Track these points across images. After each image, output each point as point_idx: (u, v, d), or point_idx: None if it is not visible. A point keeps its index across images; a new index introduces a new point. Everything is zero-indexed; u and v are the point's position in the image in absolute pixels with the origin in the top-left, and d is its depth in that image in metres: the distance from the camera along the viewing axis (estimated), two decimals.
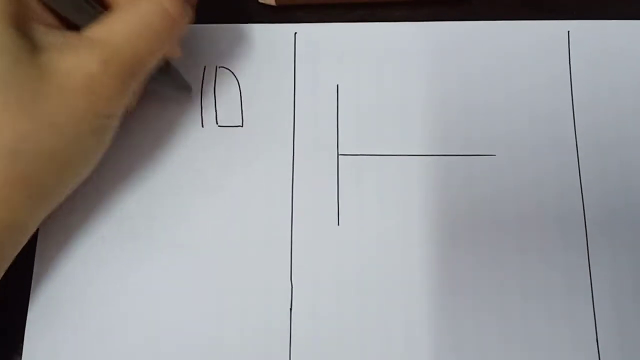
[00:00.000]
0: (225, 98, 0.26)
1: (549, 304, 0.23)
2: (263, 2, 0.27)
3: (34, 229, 0.21)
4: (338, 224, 0.25)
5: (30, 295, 0.24)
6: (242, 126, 0.26)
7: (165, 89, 0.25)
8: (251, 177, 0.25)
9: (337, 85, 0.26)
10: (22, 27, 0.19)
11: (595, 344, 0.23)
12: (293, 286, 0.24)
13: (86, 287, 0.24)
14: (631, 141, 0.25)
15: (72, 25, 0.21)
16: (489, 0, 0.27)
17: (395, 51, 0.26)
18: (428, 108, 0.26)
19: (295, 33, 0.27)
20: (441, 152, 0.25)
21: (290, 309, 0.24)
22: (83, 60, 0.19)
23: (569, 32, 0.26)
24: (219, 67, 0.26)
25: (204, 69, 0.26)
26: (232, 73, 0.26)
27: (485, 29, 0.26)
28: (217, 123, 0.26)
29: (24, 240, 0.21)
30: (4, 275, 0.21)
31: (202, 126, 0.26)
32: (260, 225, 0.25)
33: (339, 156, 0.25)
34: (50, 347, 0.23)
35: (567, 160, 0.25)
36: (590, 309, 0.23)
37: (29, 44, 0.19)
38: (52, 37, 0.19)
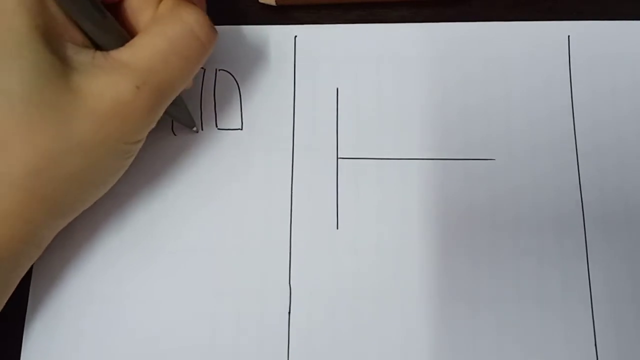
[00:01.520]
0: (224, 101, 0.26)
1: (547, 308, 0.23)
2: (263, 2, 0.27)
3: (48, 242, 0.22)
4: (337, 228, 0.25)
5: (29, 303, 0.24)
6: (241, 129, 0.26)
7: (172, 120, 0.25)
8: (250, 180, 0.25)
9: (337, 89, 0.26)
10: (51, 43, 0.18)
11: (594, 347, 0.23)
12: (292, 290, 0.24)
13: (84, 292, 0.24)
14: (630, 143, 0.25)
15: (97, 46, 0.20)
16: (488, 0, 0.27)
17: (395, 53, 0.26)
18: (427, 111, 0.26)
19: (296, 36, 0.27)
20: (440, 155, 0.25)
21: (289, 313, 0.24)
22: (115, 84, 0.19)
23: (569, 35, 0.26)
24: (219, 70, 0.26)
25: (204, 71, 0.26)
26: (232, 76, 0.26)
27: (484, 30, 0.26)
28: (216, 126, 0.26)
29: (39, 253, 0.21)
30: None
31: (202, 129, 0.26)
32: (259, 228, 0.25)
33: (339, 159, 0.25)
34: (48, 355, 0.23)
35: (567, 163, 0.25)
36: (588, 313, 0.23)
37: (60, 62, 0.18)
38: (82, 56, 0.19)
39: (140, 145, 0.21)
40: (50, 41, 0.18)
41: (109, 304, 0.24)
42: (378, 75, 0.26)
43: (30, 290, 0.24)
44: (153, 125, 0.21)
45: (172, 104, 0.22)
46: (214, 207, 0.25)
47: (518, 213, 0.24)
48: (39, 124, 0.18)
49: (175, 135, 0.26)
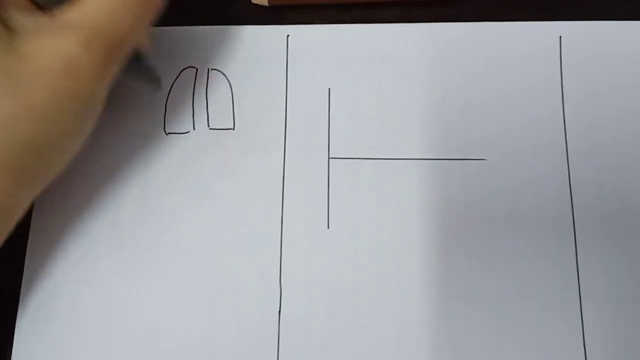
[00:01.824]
0: (217, 101, 0.26)
1: (540, 306, 0.23)
2: (256, 2, 0.27)
3: (23, 212, 0.21)
4: (328, 227, 0.25)
5: (20, 301, 0.24)
6: (233, 129, 0.26)
7: (135, 80, 0.24)
8: (242, 180, 0.25)
9: (329, 89, 0.26)
10: None
11: (582, 346, 0.23)
12: (282, 289, 0.24)
13: (76, 291, 0.24)
14: (622, 143, 0.25)
15: (40, 8, 0.20)
16: (483, 0, 0.27)
17: (387, 54, 0.26)
18: (419, 111, 0.26)
19: (288, 35, 0.27)
20: (432, 155, 0.25)
21: (279, 312, 0.24)
22: (63, 44, 0.19)
23: (560, 35, 0.26)
24: (211, 70, 0.26)
25: (196, 71, 0.26)
26: (224, 75, 0.26)
27: (475, 30, 0.26)
28: (208, 126, 0.26)
29: (12, 223, 0.21)
30: None
31: (194, 129, 0.26)
32: (250, 228, 0.25)
33: (330, 159, 0.25)
34: (39, 353, 0.24)
35: (557, 162, 0.25)
36: (577, 310, 0.23)
37: (3, 28, 0.18)
38: (26, 20, 0.19)
39: (96, 106, 0.21)
40: None
41: (99, 302, 0.24)
42: (370, 75, 0.26)
43: (22, 288, 0.24)
44: (107, 84, 0.20)
45: (132, 63, 0.21)
46: (205, 206, 0.25)
47: (509, 212, 0.24)
48: None
49: (167, 134, 0.26)
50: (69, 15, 0.19)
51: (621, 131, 0.25)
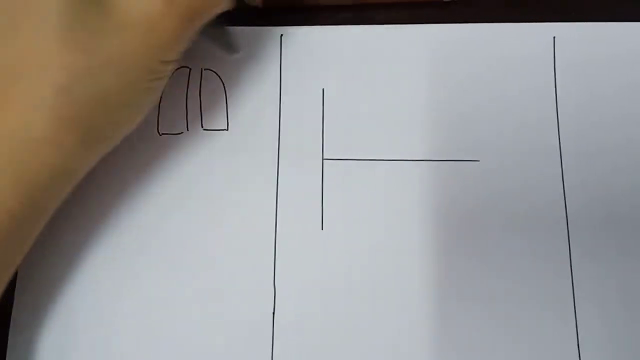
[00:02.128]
0: (210, 101, 0.26)
1: (530, 309, 0.24)
2: (249, 3, 0.27)
3: (81, 177, 0.21)
4: (322, 228, 0.25)
5: (14, 306, 0.24)
6: (227, 130, 0.26)
7: (213, 43, 0.24)
8: (236, 181, 0.25)
9: (323, 90, 0.26)
10: None
11: (577, 348, 0.23)
12: (276, 290, 0.24)
13: (68, 292, 0.24)
14: (615, 145, 0.25)
15: None
16: (476, 1, 0.27)
17: (381, 55, 0.26)
18: (413, 112, 0.26)
19: (282, 35, 0.27)
20: (426, 157, 0.25)
21: (273, 313, 0.24)
22: (146, 1, 0.19)
23: (554, 36, 0.26)
24: (205, 70, 0.26)
25: (189, 71, 0.26)
26: (218, 76, 0.26)
27: (469, 32, 0.26)
28: (202, 126, 0.26)
29: (70, 189, 0.21)
30: None
31: (187, 130, 0.26)
32: (244, 229, 0.25)
33: (324, 160, 0.25)
34: (37, 351, 0.24)
35: (551, 163, 0.25)
36: (572, 314, 0.24)
37: None
38: None
39: (170, 67, 0.21)
40: None
41: (94, 306, 0.24)
42: (364, 76, 0.26)
43: (16, 292, 0.24)
44: (184, 47, 0.20)
45: (210, 28, 0.21)
46: (199, 207, 0.25)
47: (502, 214, 0.24)
48: (70, 39, 0.18)
49: (160, 135, 0.26)
50: None
51: (615, 132, 0.25)
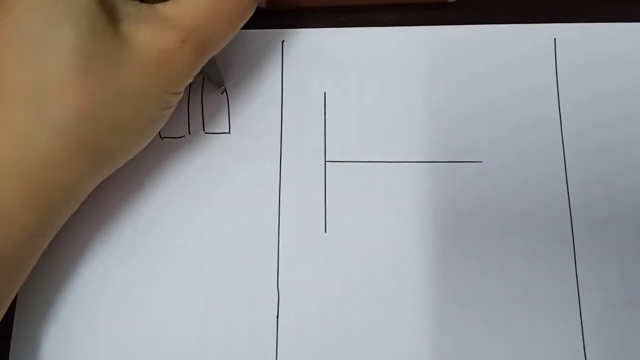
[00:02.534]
0: (212, 105, 0.26)
1: (535, 312, 0.23)
2: None
3: (84, 197, 0.22)
4: (325, 231, 0.25)
5: (16, 307, 0.24)
6: (229, 133, 0.26)
7: (205, 77, 0.25)
8: (238, 184, 0.25)
9: (325, 92, 0.26)
10: None
11: (583, 351, 0.23)
12: (280, 294, 0.24)
13: (69, 296, 0.24)
14: (618, 146, 0.25)
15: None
16: (477, 2, 0.27)
17: (383, 57, 0.26)
18: (415, 114, 0.26)
19: (283, 40, 0.27)
20: (429, 158, 0.25)
21: (277, 317, 0.24)
22: (162, 36, 0.20)
23: (555, 38, 0.26)
24: None
25: None
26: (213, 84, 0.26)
27: (470, 34, 0.26)
28: (204, 130, 0.26)
29: (78, 205, 0.22)
30: None
31: (189, 133, 0.26)
32: (247, 232, 0.25)
33: (326, 163, 0.25)
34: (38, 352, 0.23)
35: (554, 164, 0.25)
36: (577, 315, 0.23)
37: (109, 12, 0.19)
38: (129, 7, 0.20)
39: (178, 98, 0.22)
40: None
41: (96, 308, 0.24)
42: (366, 79, 0.26)
43: (17, 293, 0.24)
44: (191, 80, 0.22)
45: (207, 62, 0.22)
46: (202, 211, 0.25)
47: (506, 215, 0.24)
48: (88, 70, 0.19)
49: (162, 138, 0.26)
50: (170, 10, 0.20)
51: (618, 132, 0.25)
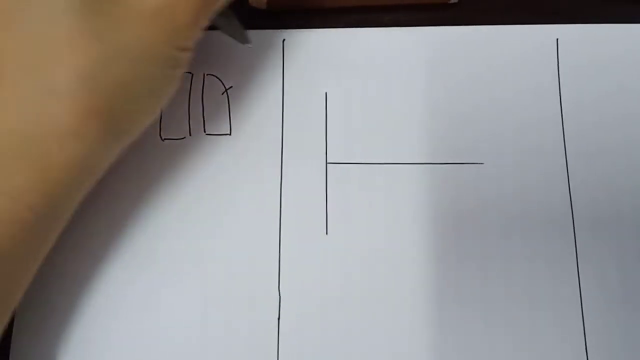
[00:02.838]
0: (213, 106, 0.26)
1: (537, 312, 0.23)
2: (253, 5, 0.27)
3: (103, 172, 0.20)
4: (326, 233, 0.25)
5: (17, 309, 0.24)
6: (230, 134, 0.26)
7: (224, 33, 0.24)
8: (239, 186, 0.25)
9: (326, 93, 0.26)
10: None
11: (585, 351, 0.23)
12: (281, 296, 0.24)
13: (70, 298, 0.24)
14: (620, 146, 0.25)
15: None
16: (480, 3, 0.27)
17: (383, 58, 0.26)
18: (416, 115, 0.26)
19: (284, 40, 0.27)
20: (430, 160, 0.25)
21: (278, 319, 0.24)
22: None
23: (557, 38, 0.26)
24: (207, 75, 0.26)
25: (192, 76, 0.26)
26: (220, 80, 0.26)
27: (472, 34, 0.26)
28: (204, 131, 0.26)
29: (89, 187, 0.20)
30: None
31: (190, 134, 0.26)
32: (248, 234, 0.24)
33: (328, 164, 0.25)
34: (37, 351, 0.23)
35: (556, 165, 0.25)
36: (579, 315, 0.23)
37: None
38: None
39: (188, 55, 0.20)
40: None
41: (97, 311, 0.24)
42: (366, 79, 0.26)
43: None
44: (199, 34, 0.20)
45: (221, 15, 0.21)
46: (202, 213, 0.25)
47: (507, 216, 0.24)
48: (86, 27, 0.18)
49: (163, 140, 0.25)
50: None
51: (620, 132, 0.25)
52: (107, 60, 0.18)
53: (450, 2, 0.27)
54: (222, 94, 0.26)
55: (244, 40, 0.24)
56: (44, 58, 0.18)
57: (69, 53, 0.17)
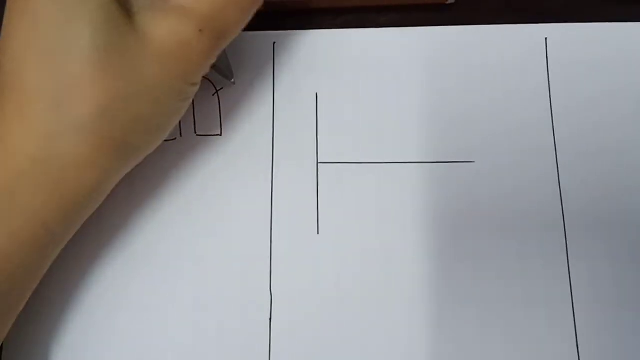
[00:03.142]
0: (203, 107, 0.26)
1: (528, 311, 0.23)
2: None
3: (108, 193, 0.22)
4: (318, 233, 0.24)
5: None
6: (221, 135, 0.26)
7: (215, 69, 0.25)
8: (230, 186, 0.25)
9: (316, 94, 0.26)
10: None
11: (576, 349, 0.23)
12: (272, 296, 0.24)
13: (63, 299, 0.24)
14: (610, 145, 0.25)
15: None
16: (474, 4, 0.27)
17: (374, 58, 0.26)
18: (407, 115, 0.26)
19: (274, 42, 0.27)
20: (421, 159, 0.25)
21: (270, 319, 0.23)
22: (179, 27, 0.19)
23: (546, 37, 0.26)
24: None
25: None
26: (211, 81, 0.26)
27: (462, 34, 0.26)
28: (195, 132, 0.26)
29: (98, 205, 0.22)
30: None
31: (181, 135, 0.26)
32: (240, 235, 0.24)
33: (319, 164, 0.25)
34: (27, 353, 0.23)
35: (547, 164, 0.25)
36: (570, 313, 0.23)
37: (123, 6, 0.19)
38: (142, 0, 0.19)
39: (196, 89, 0.22)
40: None
41: (89, 311, 0.24)
42: (357, 79, 0.26)
43: None
44: (207, 70, 0.21)
45: None
46: (193, 213, 0.25)
47: (498, 215, 0.24)
48: (108, 66, 0.18)
49: None
50: (184, 0, 0.19)
51: (609, 131, 0.25)
52: (126, 97, 0.19)
53: (447, 2, 0.27)
54: (213, 95, 0.26)
55: (229, 75, 0.25)
56: (67, 93, 0.18)
57: (91, 89, 0.18)
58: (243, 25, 0.21)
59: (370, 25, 0.27)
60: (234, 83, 0.26)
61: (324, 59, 0.26)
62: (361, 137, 0.25)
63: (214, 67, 0.23)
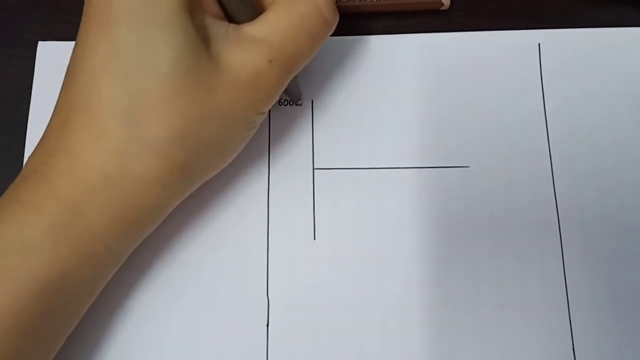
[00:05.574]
0: None
1: (524, 312, 0.24)
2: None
3: (168, 213, 0.22)
4: (314, 239, 0.25)
5: None
6: None
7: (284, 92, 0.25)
8: (226, 192, 0.25)
9: (312, 100, 0.26)
10: (195, 14, 0.19)
11: (572, 351, 0.23)
12: (269, 302, 0.24)
13: None
14: (603, 148, 0.25)
15: (229, 19, 0.21)
16: (469, 9, 0.27)
17: (368, 64, 0.27)
18: (403, 120, 0.26)
19: None
20: (416, 164, 0.25)
21: (267, 325, 0.24)
22: (251, 57, 0.20)
23: (539, 43, 0.27)
24: None
25: None
26: None
27: (457, 40, 0.27)
28: None
29: (157, 225, 0.22)
30: None
31: None
32: (236, 240, 0.25)
33: (315, 170, 0.25)
34: None
35: (541, 168, 0.25)
36: (565, 315, 0.24)
37: (201, 33, 0.19)
38: (218, 28, 0.20)
39: (263, 117, 0.22)
40: (195, 13, 0.19)
41: (84, 318, 0.24)
42: (352, 85, 0.26)
43: None
44: (277, 99, 0.22)
45: None
46: (190, 219, 0.25)
47: (494, 218, 0.25)
48: (183, 89, 0.19)
49: None
50: (257, 30, 0.20)
51: (602, 133, 0.26)
52: (199, 122, 0.19)
53: (442, 8, 0.27)
54: (300, 105, 0.26)
55: (298, 97, 0.26)
56: (142, 112, 0.19)
57: (166, 112, 0.19)
58: (313, 54, 0.22)
59: (365, 31, 0.27)
60: (300, 104, 0.26)
61: (319, 66, 0.26)
62: (357, 142, 0.26)
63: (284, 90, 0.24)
